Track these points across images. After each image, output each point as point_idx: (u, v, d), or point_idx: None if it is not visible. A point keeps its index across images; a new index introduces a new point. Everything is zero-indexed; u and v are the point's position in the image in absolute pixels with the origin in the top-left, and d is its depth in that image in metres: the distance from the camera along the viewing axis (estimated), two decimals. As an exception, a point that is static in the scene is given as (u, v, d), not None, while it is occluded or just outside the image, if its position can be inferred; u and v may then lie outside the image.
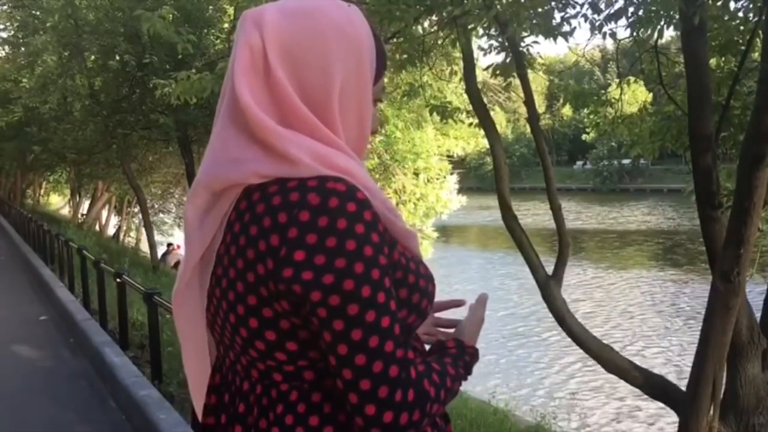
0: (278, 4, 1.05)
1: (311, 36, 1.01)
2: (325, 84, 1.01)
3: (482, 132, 7.37)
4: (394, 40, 6.43)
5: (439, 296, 1.17)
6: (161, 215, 27.55)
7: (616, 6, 5.41)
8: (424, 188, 22.60)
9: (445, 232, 33.60)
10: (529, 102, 6.75)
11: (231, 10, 11.83)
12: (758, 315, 5.81)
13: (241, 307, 1.00)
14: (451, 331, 1.25)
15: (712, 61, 6.40)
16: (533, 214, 35.21)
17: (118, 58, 12.34)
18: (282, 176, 0.97)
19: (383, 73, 1.14)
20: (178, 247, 21.82)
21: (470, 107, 7.44)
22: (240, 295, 1.00)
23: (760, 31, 5.34)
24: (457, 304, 1.30)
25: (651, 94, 10.85)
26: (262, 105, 0.99)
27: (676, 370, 12.57)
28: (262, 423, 1.02)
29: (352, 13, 1.06)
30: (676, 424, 5.41)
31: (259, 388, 1.04)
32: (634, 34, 5.72)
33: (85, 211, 28.71)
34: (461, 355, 1.12)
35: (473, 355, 1.15)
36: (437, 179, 23.14)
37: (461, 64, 7.25)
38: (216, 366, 1.15)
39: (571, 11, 5.67)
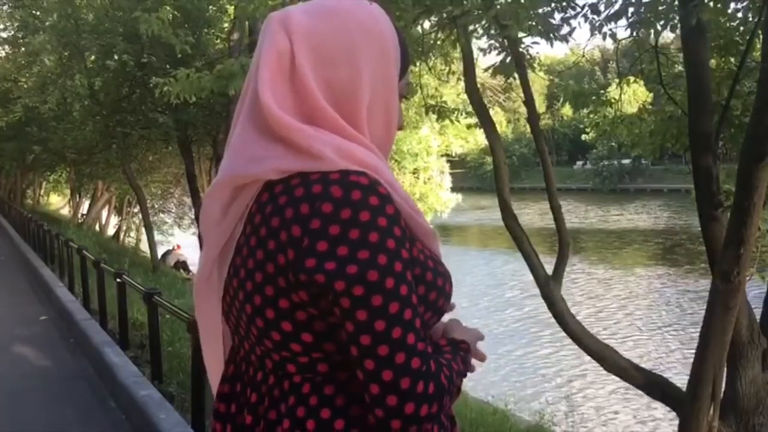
0: (303, 6, 1.06)
1: (338, 35, 1.02)
2: (353, 82, 1.02)
3: (481, 130, 7.37)
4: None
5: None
6: (161, 215, 27.53)
7: (616, 6, 5.42)
8: (423, 187, 22.68)
9: (445, 231, 33.68)
10: (529, 102, 6.75)
11: (231, 10, 11.82)
12: (758, 315, 5.81)
13: (258, 297, 1.01)
14: None
15: (712, 61, 6.40)
16: (527, 214, 35.28)
17: (117, 57, 12.34)
18: (304, 170, 0.98)
19: (408, 69, 1.15)
20: (179, 247, 21.84)
21: (469, 107, 7.44)
22: (258, 285, 1.01)
23: (760, 31, 5.34)
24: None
25: (651, 94, 10.85)
26: (284, 105, 1.00)
27: (676, 369, 12.57)
28: (271, 414, 1.03)
29: (375, 11, 1.07)
30: (677, 424, 5.41)
31: (272, 379, 1.04)
32: (634, 34, 5.72)
33: (85, 211, 28.68)
34: (457, 351, 1.13)
35: (467, 351, 1.16)
36: (436, 177, 23.23)
37: (460, 64, 7.26)
38: (230, 356, 1.17)
39: (571, 12, 5.68)
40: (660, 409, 10.50)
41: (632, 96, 12.03)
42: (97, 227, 27.01)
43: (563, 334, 6.57)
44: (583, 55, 8.03)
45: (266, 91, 1.00)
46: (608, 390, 12.46)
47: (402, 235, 0.96)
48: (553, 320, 6.51)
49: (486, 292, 21.37)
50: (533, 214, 35.65)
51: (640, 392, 6.75)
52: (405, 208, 1.00)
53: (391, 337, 0.93)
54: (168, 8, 9.40)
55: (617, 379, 6.75)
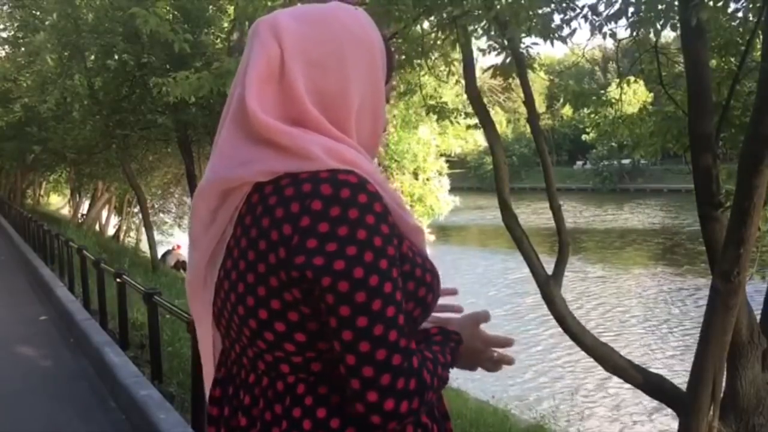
0: (290, 11, 1.07)
1: (328, 42, 1.03)
2: (341, 88, 1.03)
3: (481, 131, 7.37)
4: (393, 40, 6.43)
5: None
6: (161, 215, 27.53)
7: (616, 6, 5.42)
8: (422, 189, 22.68)
9: (445, 231, 33.69)
10: (529, 102, 6.75)
11: (231, 10, 11.82)
12: (758, 315, 5.81)
13: (250, 298, 1.02)
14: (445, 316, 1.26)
15: (712, 62, 6.40)
16: (523, 213, 35.29)
17: (117, 57, 12.34)
18: (294, 170, 0.99)
19: (392, 74, 1.17)
20: (179, 247, 21.82)
21: (469, 107, 7.44)
22: (250, 286, 1.01)
23: (760, 31, 5.34)
24: (451, 292, 1.30)
25: (652, 94, 10.85)
26: (272, 109, 1.01)
27: (676, 369, 12.57)
28: (267, 415, 1.03)
29: (362, 17, 1.09)
30: (676, 424, 5.41)
31: (265, 381, 1.05)
32: (634, 34, 5.72)
33: (85, 211, 28.66)
34: (447, 342, 1.13)
35: (458, 341, 1.17)
36: (435, 178, 23.25)
37: (460, 65, 7.26)
38: (221, 360, 1.17)
39: (570, 13, 5.68)
40: (655, 408, 10.50)
41: (632, 96, 12.03)
42: (97, 227, 26.98)
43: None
44: (583, 55, 8.02)
45: (253, 96, 1.01)
46: (606, 389, 12.46)
47: (390, 233, 0.97)
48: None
49: (473, 290, 21.40)
50: (529, 213, 35.66)
51: (639, 392, 6.75)
52: (393, 206, 1.02)
53: (372, 334, 0.94)
54: (167, 7, 9.39)
55: (615, 378, 6.75)
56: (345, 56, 1.04)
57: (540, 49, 6.81)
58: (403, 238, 1.04)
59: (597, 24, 5.59)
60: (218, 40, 13.49)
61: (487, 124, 6.81)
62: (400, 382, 0.95)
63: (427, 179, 23.17)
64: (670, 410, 6.29)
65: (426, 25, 6.76)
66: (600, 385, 12.73)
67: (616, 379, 7.01)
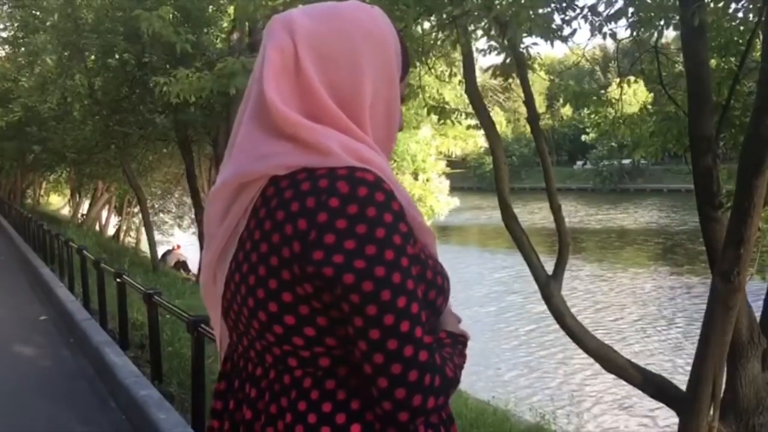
0: (305, 9, 1.08)
1: (341, 37, 1.04)
2: (354, 83, 1.04)
3: (481, 131, 7.36)
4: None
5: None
6: (161, 215, 27.54)
7: (616, 6, 5.42)
8: (423, 189, 22.71)
9: (445, 231, 33.71)
10: (529, 102, 6.74)
11: (231, 10, 11.83)
12: (758, 315, 5.81)
13: (261, 290, 1.02)
14: None
15: (712, 62, 6.40)
16: (521, 213, 35.32)
17: (117, 57, 12.35)
18: (311, 165, 0.99)
19: (407, 72, 1.17)
20: (179, 247, 21.84)
21: (470, 107, 7.44)
22: (261, 278, 1.01)
23: (760, 31, 5.34)
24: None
25: (652, 94, 10.85)
26: (290, 103, 1.01)
27: (676, 369, 12.57)
28: (272, 408, 1.04)
29: (377, 15, 1.09)
30: (676, 424, 5.41)
31: (272, 374, 1.05)
32: (634, 34, 5.72)
33: (85, 211, 28.68)
34: (456, 344, 1.14)
35: (465, 343, 1.18)
36: (435, 179, 23.28)
37: (460, 64, 7.25)
38: (227, 354, 1.17)
39: (571, 13, 5.68)
40: (655, 408, 10.50)
41: (632, 96, 12.03)
42: (97, 227, 26.98)
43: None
44: (583, 55, 8.03)
45: (272, 90, 1.01)
46: (606, 390, 12.46)
47: (407, 231, 0.98)
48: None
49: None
50: (525, 213, 35.68)
51: (639, 392, 6.75)
52: (406, 206, 1.02)
53: (399, 331, 0.95)
54: (168, 7, 9.40)
55: (614, 379, 6.75)
56: (358, 51, 1.04)
57: (540, 49, 6.80)
58: (417, 239, 1.04)
59: (597, 24, 5.59)
60: (218, 40, 13.51)
61: (487, 125, 6.80)
62: (426, 379, 0.96)
63: (427, 180, 23.20)
64: (670, 410, 6.29)
65: (426, 25, 6.76)
66: (599, 385, 12.72)
67: (615, 379, 7.01)
